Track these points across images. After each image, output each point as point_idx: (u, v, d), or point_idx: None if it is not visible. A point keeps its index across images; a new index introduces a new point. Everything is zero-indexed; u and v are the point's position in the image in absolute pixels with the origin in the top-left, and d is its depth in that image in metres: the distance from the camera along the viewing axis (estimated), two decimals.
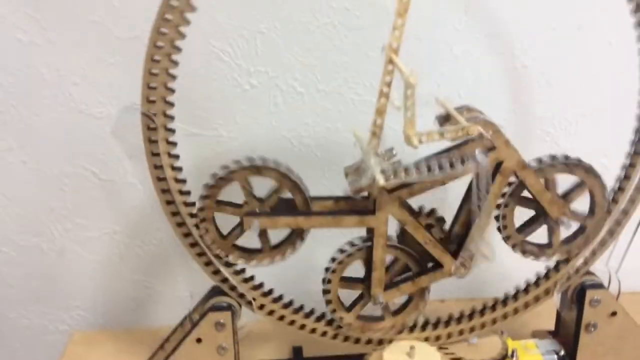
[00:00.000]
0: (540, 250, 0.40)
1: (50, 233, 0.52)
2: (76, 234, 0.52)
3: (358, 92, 0.50)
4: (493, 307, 0.42)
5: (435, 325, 0.42)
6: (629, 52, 0.39)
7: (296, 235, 0.37)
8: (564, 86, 0.52)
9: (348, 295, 0.40)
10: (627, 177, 0.39)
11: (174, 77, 0.35)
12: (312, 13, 0.48)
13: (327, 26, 0.48)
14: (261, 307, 0.40)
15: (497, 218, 0.38)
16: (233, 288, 0.39)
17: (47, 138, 0.49)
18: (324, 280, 0.38)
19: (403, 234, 0.38)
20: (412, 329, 0.42)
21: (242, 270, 0.39)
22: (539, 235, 0.41)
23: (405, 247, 0.38)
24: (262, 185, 0.38)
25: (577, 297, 0.41)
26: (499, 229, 0.39)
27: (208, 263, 0.38)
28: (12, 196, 0.51)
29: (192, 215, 0.37)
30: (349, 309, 0.39)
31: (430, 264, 0.39)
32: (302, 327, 0.40)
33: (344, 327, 0.39)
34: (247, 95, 0.49)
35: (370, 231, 0.38)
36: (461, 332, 0.42)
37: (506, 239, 0.39)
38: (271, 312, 0.40)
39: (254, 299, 0.39)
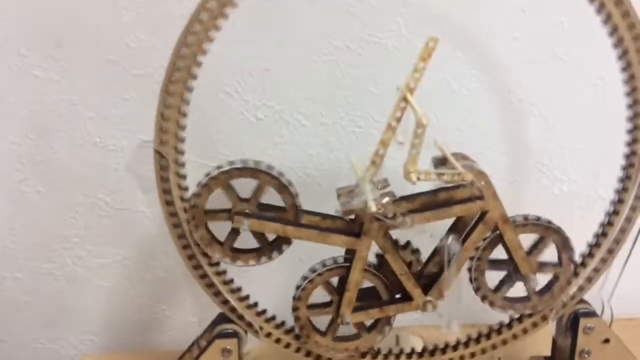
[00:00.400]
0: (519, 306, 0.42)
1: (63, 260, 0.54)
2: (87, 261, 0.54)
3: (360, 125, 0.52)
4: (498, 331, 0.43)
5: (432, 352, 0.43)
6: (621, 85, 0.41)
7: (283, 240, 0.39)
8: (558, 119, 0.54)
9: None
10: (620, 201, 0.41)
11: (185, 115, 0.37)
12: (315, 51, 0.50)
13: (330, 63, 0.51)
14: (268, 335, 0.41)
15: (469, 270, 0.41)
16: (240, 317, 0.41)
17: (61, 169, 0.51)
18: (294, 298, 0.40)
19: (380, 262, 0.40)
20: (420, 355, 0.43)
21: (247, 297, 0.41)
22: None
23: (380, 274, 0.40)
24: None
25: (572, 324, 0.42)
26: (470, 280, 0.41)
27: (217, 293, 0.40)
28: (27, 224, 0.53)
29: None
30: (323, 333, 0.41)
31: (398, 295, 0.41)
32: (308, 354, 0.42)
33: (310, 346, 0.41)
34: (254, 128, 0.51)
35: (350, 253, 0.39)
36: (461, 358, 0.43)
37: (483, 299, 0.41)
38: (278, 340, 0.41)
39: (260, 328, 0.41)
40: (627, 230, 0.41)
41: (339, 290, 0.40)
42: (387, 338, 0.45)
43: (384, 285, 0.40)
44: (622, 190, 0.41)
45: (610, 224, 0.41)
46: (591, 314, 0.42)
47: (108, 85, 0.49)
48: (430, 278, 0.40)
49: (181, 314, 0.56)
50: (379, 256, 0.40)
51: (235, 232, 0.38)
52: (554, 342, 0.46)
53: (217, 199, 0.39)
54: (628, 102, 0.39)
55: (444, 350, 0.43)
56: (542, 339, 0.46)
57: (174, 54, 0.35)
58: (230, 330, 0.40)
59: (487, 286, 0.41)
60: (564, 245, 0.41)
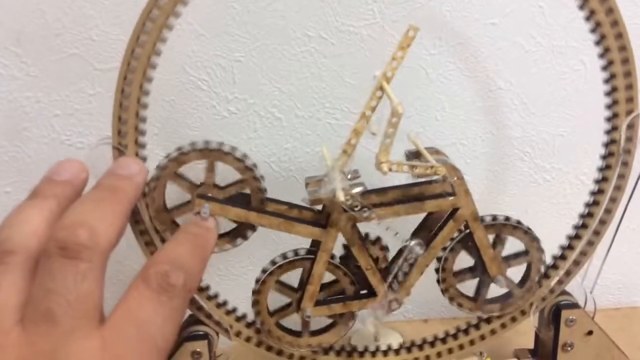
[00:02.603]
0: (466, 302, 0.41)
1: None
2: None
3: (336, 117, 0.51)
4: (476, 326, 0.42)
5: (409, 349, 0.42)
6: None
7: (248, 226, 0.37)
8: (539, 106, 0.53)
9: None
10: (600, 191, 0.40)
11: (145, 107, 0.35)
12: (288, 41, 0.48)
13: (304, 54, 0.49)
14: (238, 334, 0.40)
15: (439, 259, 0.39)
16: (208, 316, 0.39)
17: (29, 168, 0.50)
18: (257, 281, 0.38)
19: (346, 256, 0.39)
20: (397, 352, 0.42)
21: (215, 296, 0.39)
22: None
23: (345, 268, 0.38)
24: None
25: (553, 317, 0.41)
26: (436, 270, 0.40)
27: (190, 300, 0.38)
28: None
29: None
30: (271, 314, 0.39)
31: (363, 291, 0.40)
32: (280, 353, 0.40)
33: (263, 334, 0.39)
34: (226, 122, 0.50)
35: (315, 244, 0.38)
36: (439, 355, 0.42)
37: (440, 281, 0.40)
38: (248, 339, 0.40)
39: (230, 327, 0.40)
40: (607, 222, 0.40)
41: (301, 285, 0.39)
42: (364, 335, 0.44)
43: (349, 279, 0.39)
44: (602, 180, 0.39)
45: (590, 215, 0.40)
46: (573, 305, 0.41)
47: (73, 81, 0.47)
48: (396, 275, 0.39)
49: None
50: (346, 248, 0.39)
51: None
52: (537, 336, 0.44)
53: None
54: (606, 90, 0.38)
55: (421, 347, 0.42)
56: (529, 332, 0.45)
57: (131, 41, 0.34)
58: (200, 332, 0.39)
59: (455, 287, 0.40)
60: (537, 262, 0.40)
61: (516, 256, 0.40)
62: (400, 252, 0.39)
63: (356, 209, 0.35)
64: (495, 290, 0.41)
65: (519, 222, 0.39)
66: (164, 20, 0.33)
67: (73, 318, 0.28)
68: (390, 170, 0.35)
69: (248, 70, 0.49)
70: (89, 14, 0.46)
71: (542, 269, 0.40)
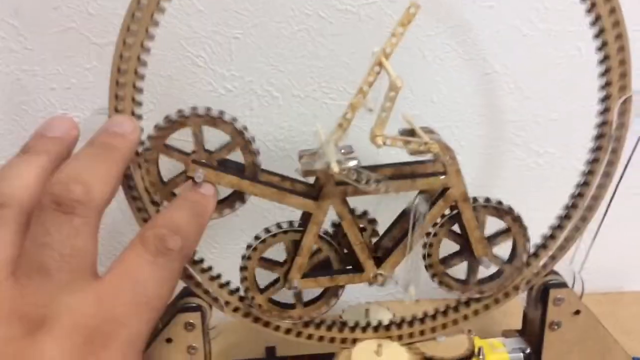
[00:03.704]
0: (456, 285, 0.41)
1: None
2: None
3: (332, 97, 0.51)
4: (466, 304, 0.43)
5: (399, 325, 0.43)
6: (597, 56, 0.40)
7: (237, 197, 0.38)
8: (534, 91, 0.53)
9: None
10: (590, 173, 0.40)
11: (142, 77, 0.35)
12: (286, 19, 0.49)
13: (302, 32, 0.49)
14: (235, 309, 0.40)
15: (424, 246, 0.40)
16: (197, 284, 0.40)
17: (25, 141, 0.49)
18: (243, 257, 0.39)
19: (335, 231, 0.39)
20: (387, 327, 0.43)
21: (210, 268, 0.40)
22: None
23: (334, 242, 0.39)
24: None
25: (542, 296, 0.42)
26: (423, 257, 0.40)
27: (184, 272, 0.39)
28: None
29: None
30: (262, 291, 0.40)
31: (350, 267, 0.40)
32: (267, 324, 0.41)
33: (255, 308, 0.40)
34: (222, 99, 0.50)
35: (306, 217, 0.39)
36: (433, 330, 0.43)
37: (428, 267, 0.40)
38: (236, 309, 0.40)
39: (227, 303, 0.40)
40: (594, 207, 0.41)
41: (286, 260, 0.40)
42: (358, 310, 0.45)
43: (337, 254, 0.39)
44: (593, 161, 0.40)
45: (580, 195, 0.40)
46: (562, 284, 0.42)
47: (69, 55, 0.48)
48: (384, 252, 0.40)
49: None
50: (334, 226, 0.40)
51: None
52: (525, 315, 0.45)
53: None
54: (600, 70, 0.38)
55: (411, 323, 0.43)
56: (517, 313, 0.46)
57: (127, 17, 0.34)
58: (193, 304, 0.39)
59: (438, 263, 0.41)
60: (522, 239, 0.41)
61: (499, 234, 0.41)
62: (391, 227, 0.40)
63: (355, 179, 0.35)
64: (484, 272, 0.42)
65: (499, 203, 0.40)
66: None
67: (67, 272, 0.28)
68: (384, 144, 0.35)
69: (246, 48, 0.49)
70: None
71: (528, 247, 0.41)
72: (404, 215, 0.41)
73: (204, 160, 0.36)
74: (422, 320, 0.43)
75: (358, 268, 0.40)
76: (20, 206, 0.29)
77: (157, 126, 0.36)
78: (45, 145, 0.32)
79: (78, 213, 0.28)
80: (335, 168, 0.34)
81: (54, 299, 0.28)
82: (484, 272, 0.42)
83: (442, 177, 0.37)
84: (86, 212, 0.29)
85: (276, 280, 0.40)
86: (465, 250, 0.40)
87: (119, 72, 0.35)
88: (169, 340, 0.39)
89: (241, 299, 0.40)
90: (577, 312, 0.42)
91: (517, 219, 0.40)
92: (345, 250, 0.40)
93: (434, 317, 0.43)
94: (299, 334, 0.42)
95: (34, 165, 0.31)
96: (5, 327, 0.27)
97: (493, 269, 0.41)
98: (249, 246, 0.39)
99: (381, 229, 0.41)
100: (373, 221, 0.40)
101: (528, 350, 0.43)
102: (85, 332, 0.28)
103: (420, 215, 0.37)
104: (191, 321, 0.39)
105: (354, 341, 0.42)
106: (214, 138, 0.37)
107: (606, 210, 0.41)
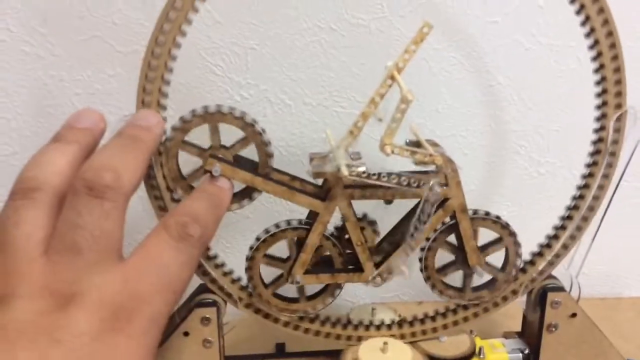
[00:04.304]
0: (454, 293, 0.44)
1: None
2: None
3: (342, 105, 0.54)
4: (465, 307, 0.45)
5: (401, 324, 0.45)
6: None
7: (245, 195, 0.40)
8: (536, 102, 0.55)
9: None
10: (586, 186, 0.42)
11: (168, 83, 0.38)
12: (300, 32, 0.51)
13: (314, 44, 0.52)
14: (247, 305, 0.43)
15: (420, 259, 0.42)
16: (220, 288, 0.42)
17: None
18: (251, 248, 0.41)
19: (339, 231, 0.42)
20: (390, 326, 0.45)
21: (223, 265, 0.42)
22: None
23: (337, 242, 0.41)
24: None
25: (540, 299, 0.44)
26: (420, 270, 0.43)
27: (199, 265, 0.41)
28: None
29: None
30: (267, 286, 0.42)
31: (351, 266, 0.42)
32: (267, 316, 0.43)
33: (254, 296, 0.42)
34: (238, 106, 0.52)
35: (312, 216, 0.41)
36: (434, 330, 0.45)
37: (426, 279, 0.43)
38: (258, 311, 0.43)
39: (240, 299, 0.42)
40: (589, 218, 0.43)
41: (290, 256, 0.42)
42: (365, 310, 0.47)
43: (339, 253, 0.41)
44: (589, 176, 0.42)
45: (576, 207, 0.43)
46: (558, 288, 0.44)
47: (94, 62, 0.50)
48: (383, 255, 0.42)
49: None
50: (338, 227, 0.42)
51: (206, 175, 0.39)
52: (525, 317, 0.47)
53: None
54: (597, 91, 0.41)
55: (412, 324, 0.45)
56: (518, 315, 0.48)
57: (157, 27, 0.36)
58: (209, 300, 0.41)
59: (434, 269, 0.43)
60: (514, 248, 0.43)
61: (492, 244, 0.43)
62: (392, 231, 0.42)
63: (373, 177, 0.37)
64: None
65: (497, 217, 0.42)
66: (191, 3, 0.36)
67: (97, 252, 0.30)
68: (392, 152, 0.37)
69: (261, 58, 0.51)
70: None
71: (519, 263, 0.43)
72: (404, 221, 0.43)
73: (220, 156, 0.39)
74: (422, 321, 0.45)
75: (358, 268, 0.42)
76: (53, 190, 0.32)
77: (181, 118, 0.38)
78: (75, 135, 0.35)
79: (108, 197, 0.31)
80: (345, 171, 0.37)
81: (84, 277, 0.30)
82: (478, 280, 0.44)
83: (444, 188, 0.40)
84: (115, 197, 0.31)
85: (280, 276, 0.43)
86: (460, 259, 0.43)
87: (147, 79, 0.37)
88: (186, 334, 0.41)
89: (250, 294, 0.43)
90: (574, 315, 0.44)
91: (513, 234, 0.43)
92: (348, 251, 0.42)
93: (433, 318, 0.45)
94: (306, 331, 0.44)
95: (65, 153, 0.33)
96: (38, 301, 0.29)
97: (487, 277, 0.43)
98: (257, 239, 0.41)
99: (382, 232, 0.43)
100: (374, 222, 0.42)
101: (527, 351, 0.45)
102: (112, 308, 0.30)
103: (435, 196, 0.39)
104: (207, 316, 0.41)
105: (359, 339, 0.44)
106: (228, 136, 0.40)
107: (601, 220, 0.43)
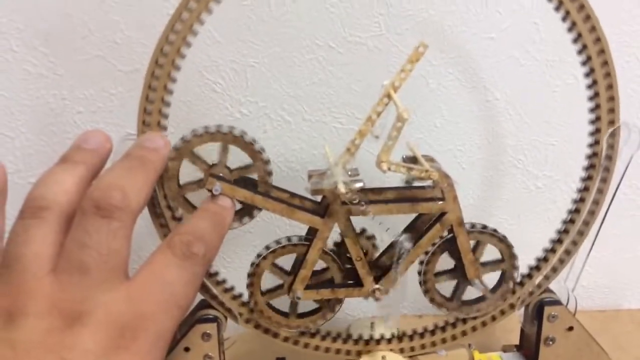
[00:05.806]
0: (443, 302, 0.44)
1: None
2: None
3: (341, 122, 0.54)
4: (464, 321, 0.45)
5: (401, 338, 0.45)
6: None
7: (246, 212, 0.40)
8: (533, 117, 0.56)
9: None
10: (582, 200, 0.43)
11: (168, 105, 0.39)
12: (298, 49, 0.52)
13: (313, 61, 0.52)
14: (247, 320, 0.43)
15: (421, 263, 0.43)
16: (221, 303, 0.43)
17: (52, 162, 0.53)
18: (252, 265, 0.41)
19: (338, 247, 0.42)
20: (389, 340, 0.45)
21: (224, 281, 0.43)
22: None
23: (336, 257, 0.42)
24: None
25: (537, 312, 0.44)
26: (419, 273, 0.43)
27: (202, 285, 0.41)
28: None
29: None
30: (263, 294, 0.42)
31: (351, 281, 0.43)
32: (266, 331, 0.44)
33: (255, 313, 0.43)
34: (238, 123, 0.53)
35: (311, 232, 0.42)
36: (433, 344, 0.45)
37: (424, 287, 0.43)
38: (257, 326, 0.43)
39: (240, 314, 0.43)
40: (585, 232, 0.43)
41: (293, 269, 0.42)
42: (363, 324, 0.47)
43: (339, 269, 0.42)
44: (584, 190, 0.43)
45: (572, 221, 0.43)
46: (555, 302, 0.44)
47: (96, 81, 0.51)
48: (383, 269, 0.43)
49: None
50: (337, 242, 0.42)
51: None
52: (522, 331, 0.48)
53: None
54: (590, 106, 0.41)
55: (411, 337, 0.45)
56: (517, 329, 0.48)
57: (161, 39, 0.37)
58: (210, 316, 0.42)
59: (435, 289, 0.43)
60: (511, 270, 0.43)
61: (491, 263, 0.44)
62: (390, 246, 0.42)
63: (354, 202, 0.38)
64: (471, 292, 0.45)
65: (495, 230, 0.43)
66: (192, 22, 0.37)
67: (104, 271, 0.31)
68: (389, 169, 0.38)
69: (260, 75, 0.52)
70: (113, 19, 0.49)
71: (516, 275, 0.43)
72: (405, 230, 0.43)
73: (221, 174, 0.39)
74: (422, 335, 0.45)
75: (358, 283, 0.42)
76: (60, 209, 0.32)
77: (194, 131, 0.39)
78: (83, 156, 0.35)
79: (116, 217, 0.31)
80: (342, 189, 0.37)
81: (91, 296, 0.30)
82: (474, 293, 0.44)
83: (440, 202, 0.40)
84: (123, 216, 0.32)
85: (279, 286, 0.43)
86: (458, 271, 0.43)
87: (147, 100, 0.38)
88: (187, 349, 0.41)
89: (250, 310, 0.43)
90: (571, 329, 0.44)
91: (510, 247, 0.43)
92: (347, 266, 0.43)
93: (432, 332, 0.45)
94: (306, 345, 0.44)
95: (73, 174, 0.34)
96: (47, 320, 0.29)
97: (484, 290, 0.44)
98: (259, 255, 0.42)
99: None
100: (372, 237, 0.43)
101: None
102: (118, 326, 0.30)
103: (404, 251, 0.40)
104: (208, 331, 0.41)
105: (359, 353, 0.45)
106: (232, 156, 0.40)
107: (597, 233, 0.43)
